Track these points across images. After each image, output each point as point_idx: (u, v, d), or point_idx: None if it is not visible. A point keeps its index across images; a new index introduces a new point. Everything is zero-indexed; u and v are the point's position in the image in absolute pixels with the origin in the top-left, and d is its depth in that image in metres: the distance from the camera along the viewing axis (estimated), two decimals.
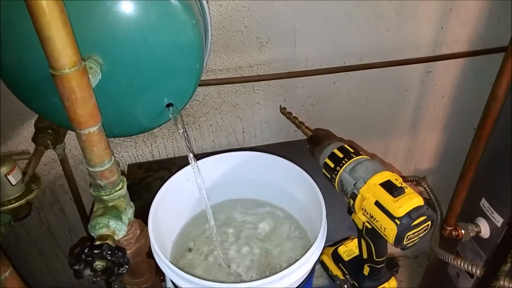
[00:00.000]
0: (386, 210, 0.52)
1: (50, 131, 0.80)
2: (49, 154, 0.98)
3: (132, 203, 0.57)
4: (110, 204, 0.52)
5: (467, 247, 0.97)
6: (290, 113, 0.72)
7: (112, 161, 0.50)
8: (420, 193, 1.24)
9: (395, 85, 1.08)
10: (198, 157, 0.68)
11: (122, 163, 1.04)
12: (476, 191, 0.93)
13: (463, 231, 0.91)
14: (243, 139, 1.10)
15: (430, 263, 1.23)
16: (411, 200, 0.51)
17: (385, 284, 0.65)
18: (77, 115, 0.44)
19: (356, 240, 0.71)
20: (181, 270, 0.54)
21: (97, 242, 0.48)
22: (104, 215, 0.50)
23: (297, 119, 0.70)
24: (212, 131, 1.06)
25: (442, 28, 0.99)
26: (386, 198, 0.52)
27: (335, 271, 0.69)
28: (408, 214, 0.50)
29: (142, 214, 0.62)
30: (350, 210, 0.61)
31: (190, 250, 0.71)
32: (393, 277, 0.66)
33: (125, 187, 0.54)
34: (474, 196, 0.93)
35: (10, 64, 0.52)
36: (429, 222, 0.52)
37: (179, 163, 1.01)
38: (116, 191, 0.52)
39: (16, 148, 0.96)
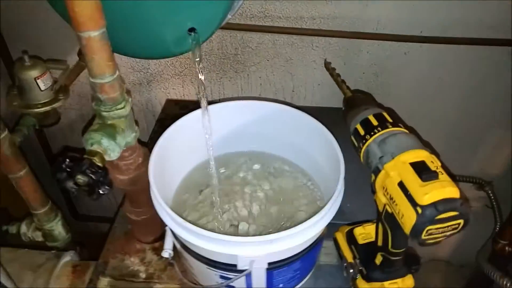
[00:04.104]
0: (409, 194, 0.43)
1: None
2: None
3: (136, 128, 0.54)
4: (109, 122, 0.49)
5: None
6: (334, 69, 0.63)
7: (114, 76, 0.47)
8: (480, 199, 1.06)
9: (479, 69, 0.92)
10: None
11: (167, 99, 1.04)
12: None
13: None
14: (291, 99, 1.02)
15: (473, 276, 1.09)
16: (443, 188, 0.42)
17: (398, 280, 0.57)
18: (75, 13, 0.40)
19: None
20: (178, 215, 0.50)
21: (85, 156, 0.45)
22: (98, 131, 0.47)
23: (340, 76, 0.61)
24: (261, 84, 1.00)
25: None
26: (412, 180, 0.43)
27: (346, 252, 0.61)
28: (435, 204, 0.41)
29: None
30: (373, 189, 0.53)
31: (200, 192, 0.68)
32: (410, 275, 0.57)
33: (128, 108, 0.50)
34: None
35: None
36: (461, 221, 0.42)
37: None
38: (117, 110, 0.49)
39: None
